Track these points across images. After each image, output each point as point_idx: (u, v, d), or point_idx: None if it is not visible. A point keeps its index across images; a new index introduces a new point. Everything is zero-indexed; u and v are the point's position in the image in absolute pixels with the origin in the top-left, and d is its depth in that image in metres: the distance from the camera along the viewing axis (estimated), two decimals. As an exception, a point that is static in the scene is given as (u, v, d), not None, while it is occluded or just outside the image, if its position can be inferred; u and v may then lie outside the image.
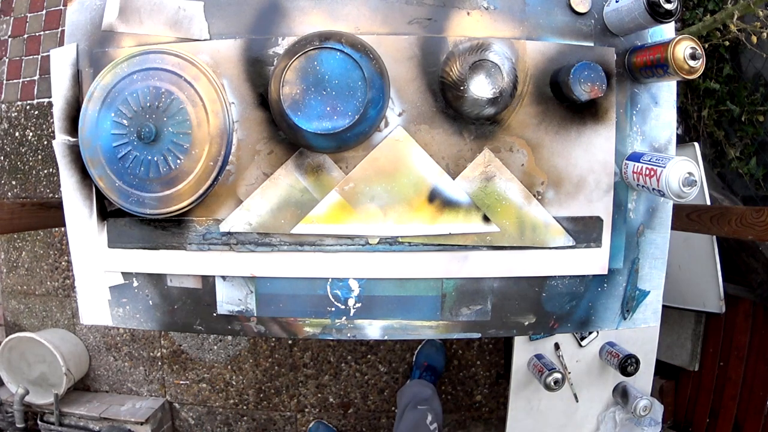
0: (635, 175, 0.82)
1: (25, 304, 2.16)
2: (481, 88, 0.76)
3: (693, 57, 0.74)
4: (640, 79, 0.85)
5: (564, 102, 0.84)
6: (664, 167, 0.76)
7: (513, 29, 0.85)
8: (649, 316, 0.93)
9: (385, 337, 0.89)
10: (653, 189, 0.79)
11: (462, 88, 0.77)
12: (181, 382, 2.07)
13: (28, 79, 2.17)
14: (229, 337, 2.01)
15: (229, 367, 2.04)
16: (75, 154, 0.87)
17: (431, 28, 0.84)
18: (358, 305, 0.88)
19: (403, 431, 1.36)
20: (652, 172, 0.78)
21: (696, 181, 0.74)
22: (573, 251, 0.87)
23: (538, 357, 1.30)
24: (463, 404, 1.96)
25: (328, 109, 0.76)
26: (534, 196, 0.86)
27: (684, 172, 0.74)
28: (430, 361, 1.85)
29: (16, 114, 2.16)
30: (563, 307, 0.90)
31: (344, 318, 0.88)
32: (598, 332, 1.33)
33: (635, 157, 0.83)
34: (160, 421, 2.01)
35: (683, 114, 1.84)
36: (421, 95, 0.84)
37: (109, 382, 2.12)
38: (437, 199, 0.85)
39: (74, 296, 2.09)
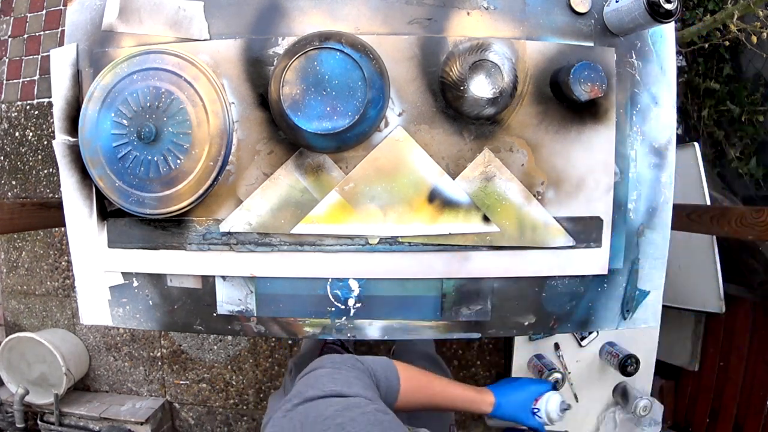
0: None
1: (25, 304, 2.16)
2: (481, 88, 0.76)
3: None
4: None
5: (564, 102, 0.84)
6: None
7: (513, 29, 0.85)
8: (649, 316, 0.93)
9: (385, 337, 0.89)
10: None
11: (462, 88, 0.77)
12: (181, 382, 2.07)
13: (28, 79, 2.17)
14: (229, 337, 2.01)
15: (229, 367, 2.04)
16: (75, 154, 0.87)
17: (431, 28, 0.84)
18: (358, 305, 0.88)
19: None
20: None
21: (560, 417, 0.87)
22: (573, 251, 0.87)
23: (538, 357, 1.30)
24: (463, 404, 1.96)
25: (328, 109, 0.76)
26: (534, 196, 0.86)
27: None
28: None
29: (16, 114, 2.16)
30: (563, 307, 0.90)
31: (344, 318, 0.88)
32: (598, 332, 1.33)
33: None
34: (160, 421, 2.01)
35: (683, 114, 1.84)
36: (421, 95, 0.84)
37: (109, 382, 2.12)
38: (437, 199, 0.85)
39: (74, 296, 2.09)
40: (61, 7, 2.16)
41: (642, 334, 1.33)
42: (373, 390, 0.63)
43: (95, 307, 0.92)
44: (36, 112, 2.14)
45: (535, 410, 0.86)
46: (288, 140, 0.84)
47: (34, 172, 2.14)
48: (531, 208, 0.86)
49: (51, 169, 2.13)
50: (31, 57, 2.18)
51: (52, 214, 1.09)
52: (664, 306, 0.93)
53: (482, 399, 0.83)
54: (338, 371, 0.63)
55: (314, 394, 0.56)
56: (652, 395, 1.34)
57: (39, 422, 2.01)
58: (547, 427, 0.86)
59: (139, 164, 0.80)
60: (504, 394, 0.85)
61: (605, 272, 0.89)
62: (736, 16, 1.30)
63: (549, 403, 0.85)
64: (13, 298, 2.17)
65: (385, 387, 0.69)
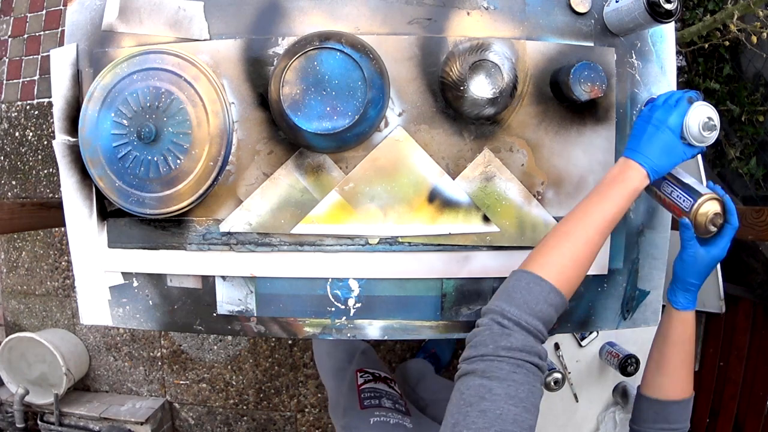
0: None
1: (25, 304, 2.16)
2: (481, 88, 0.76)
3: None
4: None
5: (564, 102, 0.84)
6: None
7: (513, 29, 0.85)
8: (649, 316, 0.93)
9: (385, 337, 0.89)
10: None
11: (462, 88, 0.77)
12: (181, 382, 2.07)
13: (28, 79, 2.17)
14: (229, 337, 2.01)
15: (229, 367, 2.04)
16: (75, 154, 0.87)
17: (431, 28, 0.84)
18: (358, 305, 0.88)
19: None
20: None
21: (716, 126, 0.68)
22: (573, 251, 0.87)
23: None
24: (463, 404, 1.96)
25: (328, 109, 0.76)
26: (534, 196, 0.86)
27: (704, 117, 0.67)
28: (438, 351, 1.85)
29: (16, 114, 2.16)
30: (563, 307, 0.90)
31: (344, 318, 0.88)
32: (598, 332, 1.33)
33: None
34: (160, 421, 2.01)
35: (683, 114, 1.84)
36: (421, 95, 0.84)
37: (109, 382, 2.12)
38: (437, 199, 0.85)
39: (74, 296, 2.09)
40: (61, 7, 2.16)
41: (642, 334, 1.32)
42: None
43: (95, 307, 0.92)
44: (36, 112, 2.14)
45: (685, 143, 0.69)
46: (288, 140, 0.84)
47: (34, 172, 2.14)
48: (531, 208, 0.86)
49: (51, 169, 2.13)
50: (31, 57, 2.18)
51: (52, 214, 1.09)
52: (664, 306, 0.93)
53: (632, 190, 0.66)
54: None
55: None
56: (652, 395, 1.34)
57: (39, 422, 2.01)
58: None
59: (139, 164, 0.80)
60: (652, 157, 0.67)
61: (605, 272, 0.89)
62: (736, 16, 1.30)
63: (690, 123, 0.67)
64: (13, 298, 2.17)
65: (554, 313, 0.60)
